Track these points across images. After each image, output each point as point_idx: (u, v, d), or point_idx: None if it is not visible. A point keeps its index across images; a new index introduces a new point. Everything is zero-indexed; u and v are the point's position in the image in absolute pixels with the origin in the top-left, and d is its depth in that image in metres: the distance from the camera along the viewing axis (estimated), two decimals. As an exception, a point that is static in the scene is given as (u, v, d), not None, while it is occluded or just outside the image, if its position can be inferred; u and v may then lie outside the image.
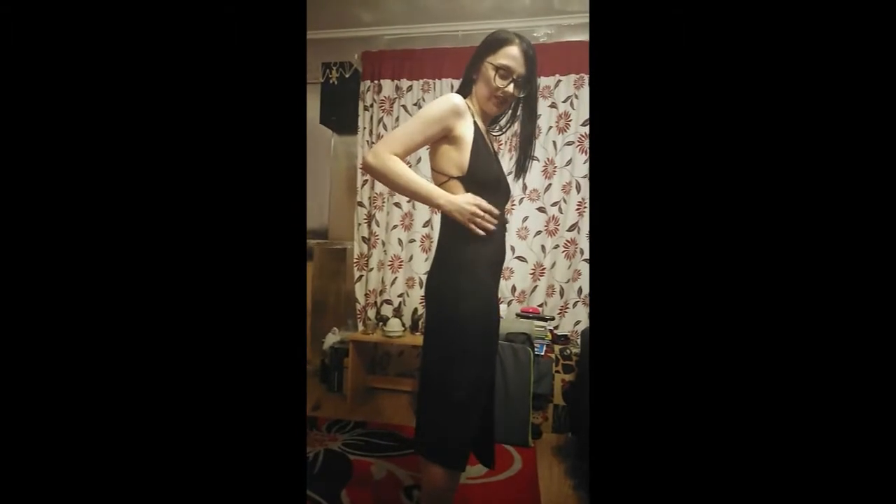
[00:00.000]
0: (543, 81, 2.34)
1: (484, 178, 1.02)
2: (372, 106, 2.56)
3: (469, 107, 1.05)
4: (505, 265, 2.35)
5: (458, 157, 1.01)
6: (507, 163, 2.07)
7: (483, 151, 1.01)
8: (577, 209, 2.35)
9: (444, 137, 1.01)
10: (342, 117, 2.58)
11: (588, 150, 2.33)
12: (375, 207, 2.56)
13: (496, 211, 0.98)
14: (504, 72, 1.01)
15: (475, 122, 1.03)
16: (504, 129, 1.17)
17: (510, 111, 1.14)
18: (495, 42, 1.04)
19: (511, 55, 1.02)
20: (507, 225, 1.29)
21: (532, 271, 2.40)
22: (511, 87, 1.02)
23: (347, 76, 2.55)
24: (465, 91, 1.12)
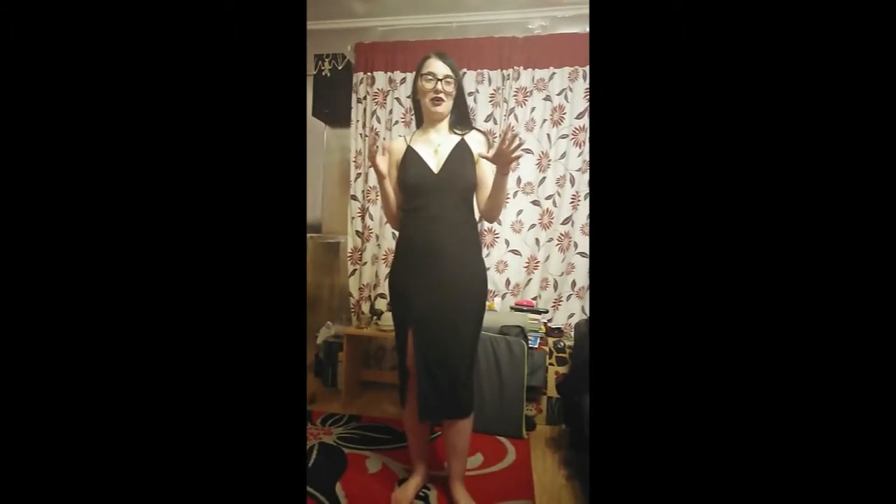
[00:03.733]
0: (538, 74, 2.33)
1: (405, 179, 1.35)
2: (365, 98, 2.53)
3: (406, 137, 1.44)
4: (499, 258, 2.39)
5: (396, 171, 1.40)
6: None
7: (411, 160, 1.36)
8: (572, 202, 2.35)
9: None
10: (335, 110, 2.55)
11: (582, 144, 2.33)
12: (369, 201, 2.54)
13: (373, 150, 1.34)
14: (429, 76, 1.32)
15: (408, 145, 1.38)
16: (467, 125, 1.41)
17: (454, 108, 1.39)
18: (419, 64, 1.37)
19: (430, 64, 1.33)
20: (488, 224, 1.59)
21: (526, 264, 2.40)
22: (439, 86, 1.32)
23: (340, 68, 2.52)
24: (417, 112, 1.44)
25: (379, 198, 2.49)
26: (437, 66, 1.32)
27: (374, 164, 1.34)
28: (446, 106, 1.34)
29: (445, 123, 1.39)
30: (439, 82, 1.31)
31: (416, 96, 1.40)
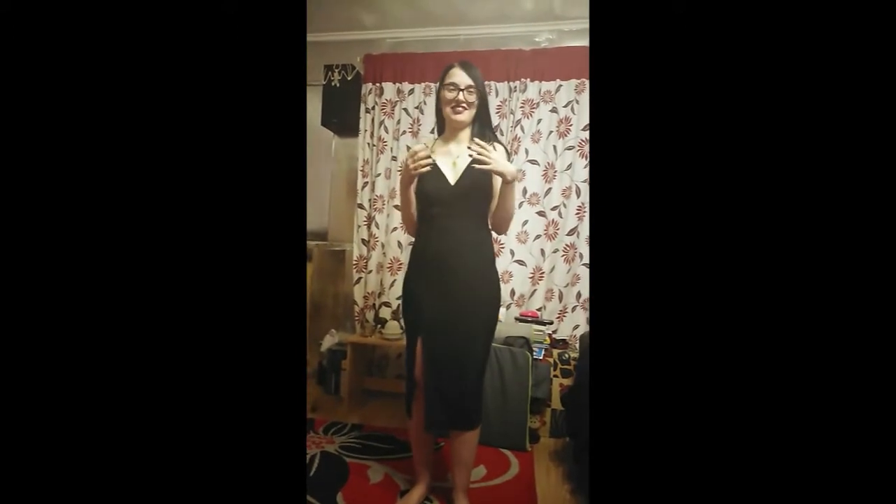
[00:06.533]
0: (544, 86, 2.35)
1: (422, 188, 1.35)
2: (373, 108, 2.56)
3: (428, 145, 1.40)
4: (504, 268, 2.39)
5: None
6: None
7: (430, 171, 1.30)
8: (577, 213, 2.35)
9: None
10: (343, 119, 2.58)
11: (588, 155, 2.34)
12: (375, 210, 2.56)
13: (419, 150, 1.25)
14: (451, 86, 1.34)
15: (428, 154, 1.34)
16: (489, 137, 1.40)
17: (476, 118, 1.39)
18: (443, 73, 1.37)
19: (454, 74, 1.34)
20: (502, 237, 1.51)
21: (531, 275, 2.40)
22: (461, 96, 1.33)
23: (349, 78, 2.55)
24: (439, 121, 1.45)
25: (385, 206, 2.54)
26: (460, 77, 1.33)
27: (415, 169, 1.24)
28: (468, 115, 1.35)
29: (467, 133, 1.38)
30: (461, 92, 1.32)
31: (438, 105, 1.41)
